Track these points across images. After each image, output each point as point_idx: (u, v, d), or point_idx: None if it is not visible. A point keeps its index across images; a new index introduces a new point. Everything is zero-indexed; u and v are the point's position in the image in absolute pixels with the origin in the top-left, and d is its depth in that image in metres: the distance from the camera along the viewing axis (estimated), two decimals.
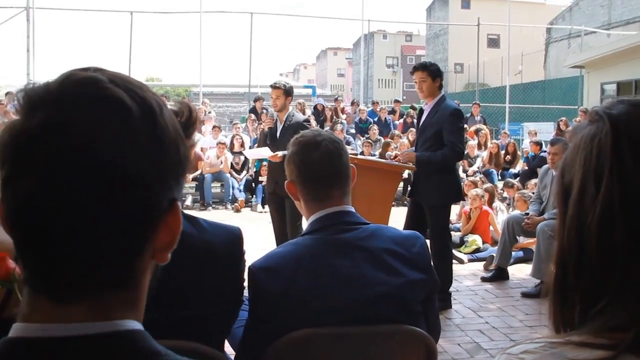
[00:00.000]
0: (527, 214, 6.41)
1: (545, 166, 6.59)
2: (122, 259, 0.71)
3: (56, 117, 0.68)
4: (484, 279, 6.41)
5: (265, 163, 11.63)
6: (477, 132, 13.85)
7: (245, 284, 1.82)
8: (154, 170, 0.71)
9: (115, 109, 0.70)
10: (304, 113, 11.41)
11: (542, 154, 11.93)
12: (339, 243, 1.79)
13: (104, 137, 0.68)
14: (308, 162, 1.87)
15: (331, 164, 1.87)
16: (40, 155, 0.67)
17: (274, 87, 5.86)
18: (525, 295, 5.79)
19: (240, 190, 11.52)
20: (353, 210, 1.89)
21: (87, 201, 0.67)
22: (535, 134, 13.77)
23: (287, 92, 5.83)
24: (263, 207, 10.94)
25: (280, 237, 5.76)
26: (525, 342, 0.79)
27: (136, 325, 0.73)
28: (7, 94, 14.25)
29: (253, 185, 11.65)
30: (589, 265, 0.79)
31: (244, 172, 11.94)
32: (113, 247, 0.70)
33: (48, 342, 0.68)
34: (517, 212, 7.30)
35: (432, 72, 5.10)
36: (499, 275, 6.39)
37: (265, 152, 5.84)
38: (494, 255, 6.76)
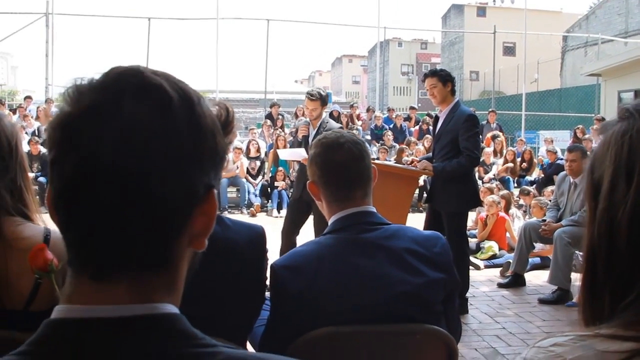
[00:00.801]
0: (544, 220, 6.39)
1: (563, 173, 6.56)
2: (160, 240, 0.73)
3: (100, 101, 0.71)
4: (500, 285, 6.39)
5: (281, 168, 11.70)
6: (493, 138, 13.80)
7: (267, 282, 1.84)
8: (191, 155, 0.74)
9: (156, 95, 0.73)
10: None
11: (559, 161, 11.87)
12: (360, 242, 1.80)
13: (145, 121, 0.71)
14: (330, 164, 1.88)
15: (353, 166, 1.88)
16: (84, 136, 0.70)
17: (310, 98, 5.67)
18: (543, 301, 5.75)
19: (255, 195, 11.56)
20: (375, 210, 1.90)
21: (127, 181, 0.69)
22: (552, 141, 13.69)
23: (323, 100, 5.70)
24: (279, 212, 10.98)
25: (287, 238, 5.62)
26: (555, 336, 0.79)
27: (173, 309, 0.75)
28: (26, 98, 14.44)
29: (269, 190, 11.70)
30: (618, 259, 0.79)
31: (260, 177, 11.99)
32: (152, 228, 0.72)
33: (91, 323, 0.70)
34: (534, 219, 7.26)
35: (441, 77, 5.11)
36: (515, 282, 6.36)
37: (302, 153, 5.58)
38: (510, 261, 6.73)
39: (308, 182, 1.96)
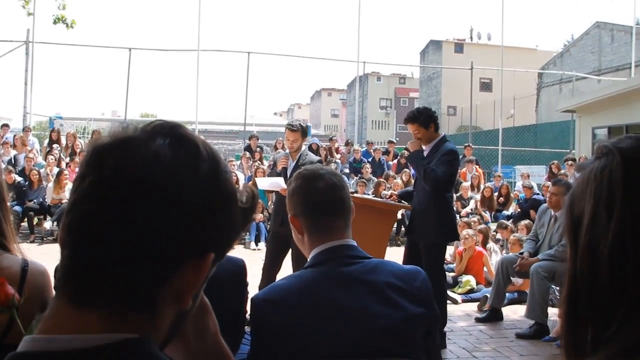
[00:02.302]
0: (522, 253, 6.43)
1: (544, 205, 6.65)
2: (140, 278, 0.73)
3: (134, 136, 0.76)
4: (478, 320, 6.39)
5: (259, 201, 11.66)
6: (468, 161, 14.18)
7: (247, 315, 1.82)
8: (201, 210, 0.76)
9: (187, 145, 0.77)
10: None
11: (535, 196, 12.02)
12: (341, 276, 1.80)
13: (168, 161, 0.74)
14: (312, 192, 1.90)
15: (335, 194, 1.91)
16: (109, 159, 0.73)
17: (291, 129, 5.70)
18: (520, 336, 5.76)
19: None
20: (355, 244, 1.90)
21: (129, 208, 0.71)
22: (528, 176, 13.88)
23: (304, 132, 5.76)
24: (257, 245, 10.91)
25: (268, 274, 5.55)
26: None
27: (144, 336, 0.75)
28: (3, 126, 14.29)
29: None
30: (600, 292, 0.80)
31: None
32: (139, 263, 0.72)
33: (53, 357, 0.70)
34: (511, 253, 7.32)
35: (422, 122, 5.18)
36: (493, 316, 6.37)
37: (280, 182, 5.52)
38: (488, 295, 6.75)
39: (290, 216, 1.96)
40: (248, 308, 1.82)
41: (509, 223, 9.87)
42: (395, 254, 6.27)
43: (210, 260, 0.79)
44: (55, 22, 9.71)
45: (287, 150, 5.93)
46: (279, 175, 5.82)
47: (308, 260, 1.91)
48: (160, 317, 0.77)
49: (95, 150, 0.76)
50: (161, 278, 0.75)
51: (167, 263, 0.75)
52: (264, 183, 5.95)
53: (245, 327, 1.89)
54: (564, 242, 0.88)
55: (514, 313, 6.69)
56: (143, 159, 0.73)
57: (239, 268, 1.80)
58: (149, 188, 0.72)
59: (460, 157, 15.33)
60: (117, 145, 0.75)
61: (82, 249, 0.72)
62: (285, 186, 5.48)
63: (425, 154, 5.27)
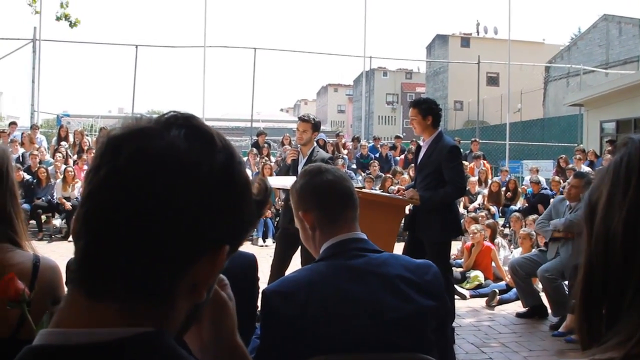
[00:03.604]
0: (529, 255, 6.54)
1: (560, 196, 6.65)
2: (157, 271, 0.73)
3: (149, 127, 0.75)
4: (518, 315, 6.41)
5: None
6: (475, 157, 14.13)
7: (258, 309, 1.82)
8: (216, 201, 0.75)
9: (202, 136, 0.76)
10: None
11: (543, 191, 11.97)
12: (352, 269, 1.80)
13: (184, 151, 0.73)
14: (321, 185, 1.93)
15: (342, 185, 1.94)
16: (124, 150, 0.72)
17: (302, 119, 5.68)
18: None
19: None
20: (365, 237, 1.91)
21: (148, 199, 0.71)
22: (537, 170, 13.83)
23: (315, 126, 5.69)
24: (264, 241, 10.93)
25: (277, 271, 5.52)
26: None
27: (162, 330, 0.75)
28: (10, 124, 14.37)
29: None
30: (614, 274, 0.80)
31: None
32: (156, 256, 0.72)
33: (70, 351, 0.70)
34: (519, 249, 7.35)
35: (422, 110, 5.15)
36: (534, 313, 6.39)
37: (291, 181, 5.47)
38: (497, 290, 6.76)
39: (300, 213, 1.96)
40: (259, 304, 1.82)
41: (519, 215, 9.79)
42: (402, 249, 6.25)
43: (225, 253, 0.79)
44: (58, 19, 9.72)
45: (298, 144, 5.90)
46: (288, 169, 5.81)
47: (319, 254, 1.91)
48: (176, 309, 0.77)
49: (110, 141, 0.75)
50: (179, 270, 0.75)
51: (185, 256, 0.74)
52: (275, 181, 5.91)
53: (256, 323, 1.89)
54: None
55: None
56: (159, 149, 0.72)
57: (251, 262, 1.80)
58: (166, 179, 0.71)
59: (468, 152, 15.43)
60: (132, 136, 0.74)
61: (99, 241, 0.72)
62: None
63: (423, 150, 5.27)
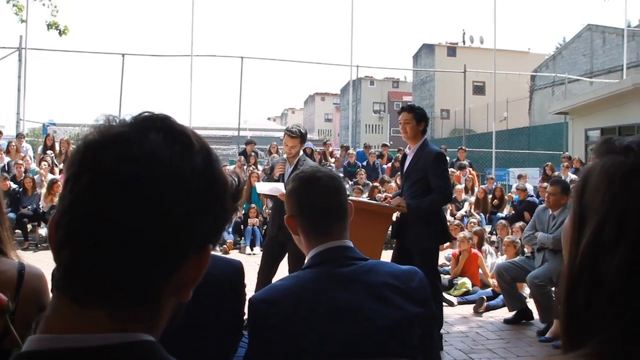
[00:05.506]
0: (515, 260, 6.56)
1: (542, 206, 6.68)
2: (147, 275, 0.74)
3: (127, 132, 0.75)
4: (506, 321, 6.45)
5: (254, 205, 11.66)
6: (460, 168, 14.16)
7: (245, 317, 1.82)
8: (199, 203, 0.76)
9: (180, 138, 0.77)
10: None
11: (529, 198, 12.04)
12: (339, 276, 1.80)
13: (165, 156, 0.73)
14: (309, 196, 1.90)
15: (332, 198, 1.91)
16: (105, 157, 0.72)
17: (291, 135, 5.64)
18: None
19: (228, 232, 11.47)
20: (352, 245, 1.91)
21: (133, 205, 0.71)
22: (525, 177, 13.92)
23: (303, 139, 5.72)
24: (252, 249, 10.91)
25: (264, 279, 5.52)
26: None
27: (151, 338, 0.75)
28: None
29: (242, 227, 11.63)
30: (599, 282, 0.80)
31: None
32: (144, 261, 0.72)
33: (60, 355, 0.70)
34: (502, 259, 7.39)
35: (417, 115, 5.19)
36: (520, 317, 6.45)
37: (280, 187, 5.34)
38: (484, 297, 6.78)
39: (285, 216, 1.96)
40: (246, 311, 1.81)
41: (505, 222, 9.85)
42: (390, 257, 6.26)
43: (210, 252, 0.80)
44: (48, 28, 9.71)
45: (285, 156, 5.90)
46: (276, 181, 5.79)
47: (306, 261, 1.91)
48: (163, 310, 0.78)
49: (88, 148, 0.75)
50: (166, 274, 0.75)
51: (172, 259, 0.75)
52: (264, 188, 5.91)
53: (243, 331, 1.89)
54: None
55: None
56: (140, 156, 0.72)
57: (237, 270, 1.80)
58: (150, 186, 0.71)
59: (454, 160, 15.50)
60: (112, 142, 0.74)
61: (86, 249, 0.72)
62: (284, 191, 5.41)
63: (410, 157, 5.29)
